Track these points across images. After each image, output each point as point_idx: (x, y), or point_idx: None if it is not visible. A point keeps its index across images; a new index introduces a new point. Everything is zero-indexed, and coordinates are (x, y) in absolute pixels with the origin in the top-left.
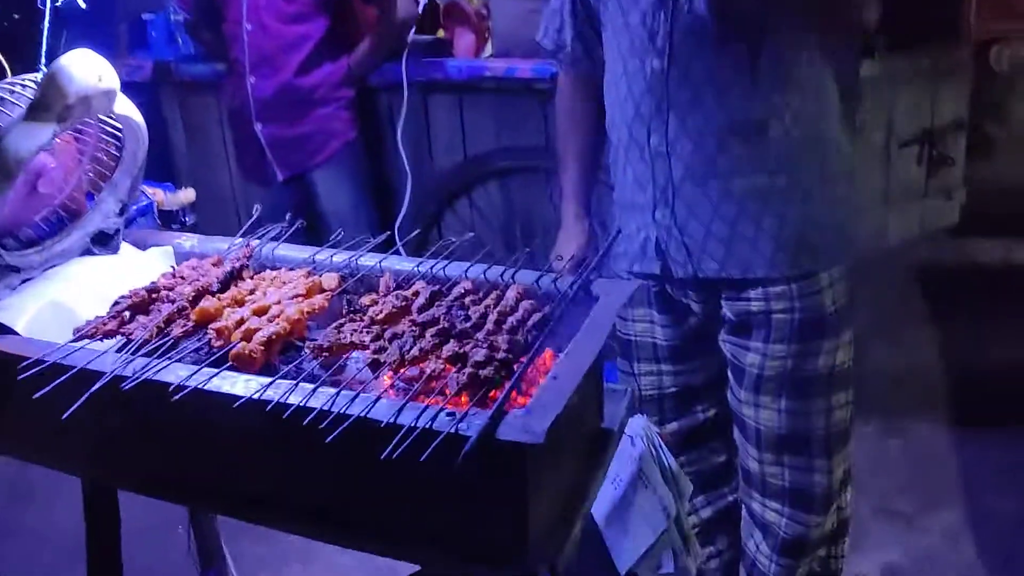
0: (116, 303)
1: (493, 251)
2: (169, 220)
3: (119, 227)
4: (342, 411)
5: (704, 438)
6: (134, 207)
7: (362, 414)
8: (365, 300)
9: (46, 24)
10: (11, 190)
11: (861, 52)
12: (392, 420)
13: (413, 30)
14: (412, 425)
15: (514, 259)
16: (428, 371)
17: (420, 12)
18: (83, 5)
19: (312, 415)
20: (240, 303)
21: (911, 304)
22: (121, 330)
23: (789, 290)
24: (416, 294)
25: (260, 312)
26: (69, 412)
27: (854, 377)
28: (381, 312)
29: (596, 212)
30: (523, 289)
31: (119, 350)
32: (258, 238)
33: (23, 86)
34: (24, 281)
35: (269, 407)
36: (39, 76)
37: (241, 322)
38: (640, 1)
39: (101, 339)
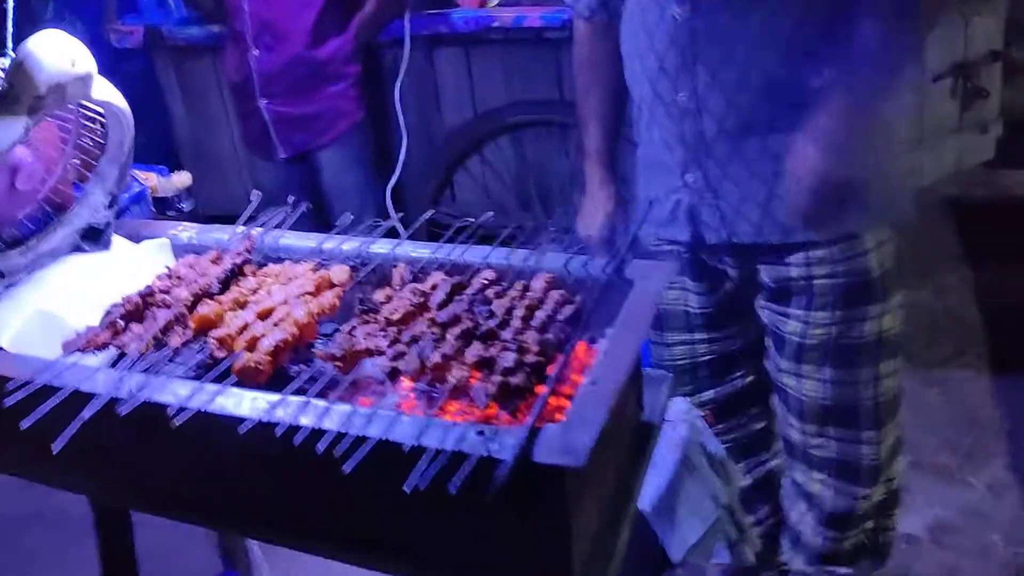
0: (108, 311)
1: (507, 209)
2: (164, 207)
3: (109, 220)
4: (359, 433)
5: (743, 406)
6: (125, 195)
7: (381, 436)
8: (379, 296)
9: (10, 2)
10: None
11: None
12: (415, 443)
13: None
14: (438, 449)
15: (533, 228)
16: (452, 381)
17: None
18: None
19: (327, 440)
20: (243, 305)
21: (942, 243)
22: (115, 341)
23: (831, 253)
24: (434, 287)
25: (265, 315)
26: (62, 443)
27: (904, 342)
28: (397, 311)
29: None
30: (551, 277)
31: (113, 364)
32: (260, 226)
33: None
34: (9, 287)
35: (279, 431)
36: (5, 62)
37: (244, 328)
38: None
39: (94, 352)
